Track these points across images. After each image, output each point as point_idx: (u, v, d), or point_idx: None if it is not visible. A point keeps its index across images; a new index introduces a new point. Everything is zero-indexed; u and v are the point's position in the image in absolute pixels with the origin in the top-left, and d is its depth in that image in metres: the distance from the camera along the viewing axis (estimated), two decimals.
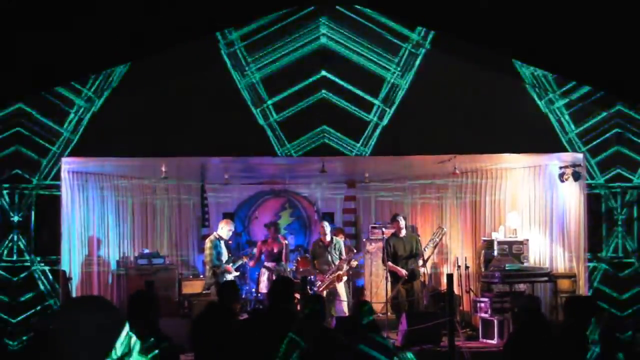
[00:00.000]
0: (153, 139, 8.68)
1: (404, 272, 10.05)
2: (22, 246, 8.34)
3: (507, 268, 9.77)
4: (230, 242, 11.00)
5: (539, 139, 9.02)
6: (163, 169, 9.82)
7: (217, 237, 10.54)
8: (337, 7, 8.85)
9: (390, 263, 10.15)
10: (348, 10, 8.92)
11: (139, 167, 10.52)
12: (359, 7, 8.89)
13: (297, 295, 10.57)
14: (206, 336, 5.71)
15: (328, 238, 10.68)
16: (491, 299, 9.78)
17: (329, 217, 13.12)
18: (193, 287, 11.07)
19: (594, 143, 9.00)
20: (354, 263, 10.76)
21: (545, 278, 9.86)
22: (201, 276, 11.51)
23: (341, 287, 10.58)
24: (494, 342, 9.50)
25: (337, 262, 10.50)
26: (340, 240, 10.88)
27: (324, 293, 10.29)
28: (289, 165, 10.68)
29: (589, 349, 5.26)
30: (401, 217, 10.47)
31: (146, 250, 11.31)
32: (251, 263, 11.04)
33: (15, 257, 8.31)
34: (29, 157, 8.46)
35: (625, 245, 8.97)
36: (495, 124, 8.94)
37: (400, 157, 9.15)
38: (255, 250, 11.16)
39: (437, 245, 10.58)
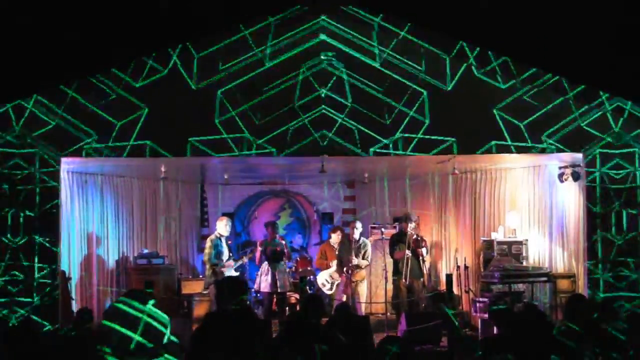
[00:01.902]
0: (153, 139, 8.68)
1: (406, 252, 10.20)
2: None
3: (507, 268, 9.78)
4: (230, 242, 11.00)
5: (538, 138, 9.00)
6: (162, 169, 9.82)
7: (218, 236, 10.56)
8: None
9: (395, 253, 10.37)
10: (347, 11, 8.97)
11: (138, 167, 10.51)
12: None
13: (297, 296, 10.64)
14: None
15: (356, 237, 10.63)
16: (490, 299, 9.77)
17: (329, 217, 13.14)
18: (193, 287, 11.05)
19: (594, 142, 8.99)
20: (363, 263, 10.70)
21: (545, 278, 9.87)
22: (201, 276, 11.51)
23: (362, 288, 10.59)
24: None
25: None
26: (368, 242, 10.80)
27: (344, 297, 10.33)
28: (289, 165, 10.68)
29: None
30: (413, 220, 10.53)
31: (146, 250, 11.30)
32: (257, 261, 10.92)
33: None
34: (29, 156, 8.46)
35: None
36: (494, 124, 8.94)
37: (400, 157, 9.13)
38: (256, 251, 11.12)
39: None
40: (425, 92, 8.92)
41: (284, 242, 10.64)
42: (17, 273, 8.33)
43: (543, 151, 8.97)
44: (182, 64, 8.76)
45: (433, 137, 8.90)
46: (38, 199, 8.46)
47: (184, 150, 8.69)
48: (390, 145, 8.88)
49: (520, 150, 8.98)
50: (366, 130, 8.89)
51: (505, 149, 8.96)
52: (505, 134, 8.91)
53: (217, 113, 8.77)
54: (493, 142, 8.90)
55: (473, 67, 8.94)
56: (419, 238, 10.43)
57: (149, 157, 8.78)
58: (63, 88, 8.58)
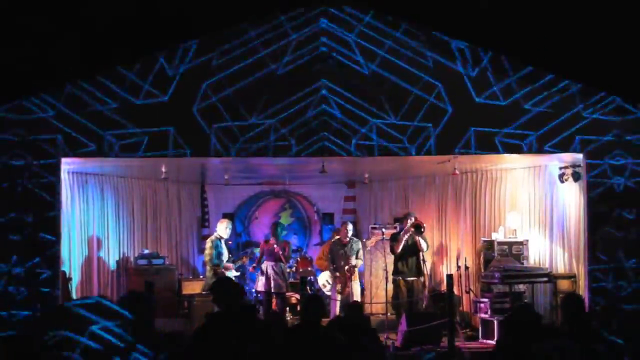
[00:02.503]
0: (153, 139, 8.66)
1: (407, 234, 10.19)
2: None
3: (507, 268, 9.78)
4: (230, 242, 11.00)
5: (538, 138, 8.97)
6: (163, 169, 9.82)
7: (218, 237, 10.57)
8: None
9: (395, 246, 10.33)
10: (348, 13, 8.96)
11: (138, 167, 10.52)
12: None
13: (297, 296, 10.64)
14: None
15: (347, 239, 10.68)
16: (491, 300, 9.78)
17: (329, 217, 13.14)
18: (193, 287, 11.07)
19: (595, 143, 8.97)
20: (359, 262, 10.73)
21: (545, 278, 9.87)
22: (201, 276, 11.52)
23: (356, 288, 10.61)
24: (494, 342, 9.49)
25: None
26: (358, 240, 10.90)
27: (339, 296, 10.34)
28: (289, 166, 10.68)
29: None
30: (412, 217, 10.52)
31: (146, 251, 11.31)
32: (251, 269, 10.95)
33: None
34: (28, 156, 8.46)
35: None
36: (494, 124, 8.93)
37: (400, 157, 9.11)
38: (257, 251, 11.12)
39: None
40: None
41: (275, 246, 10.54)
42: (16, 274, 8.31)
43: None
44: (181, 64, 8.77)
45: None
46: (38, 200, 8.43)
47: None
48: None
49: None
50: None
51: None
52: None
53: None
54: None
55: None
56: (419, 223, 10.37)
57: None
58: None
